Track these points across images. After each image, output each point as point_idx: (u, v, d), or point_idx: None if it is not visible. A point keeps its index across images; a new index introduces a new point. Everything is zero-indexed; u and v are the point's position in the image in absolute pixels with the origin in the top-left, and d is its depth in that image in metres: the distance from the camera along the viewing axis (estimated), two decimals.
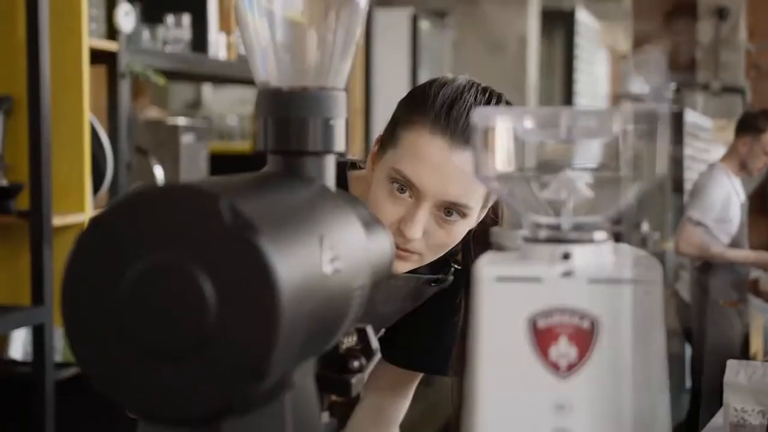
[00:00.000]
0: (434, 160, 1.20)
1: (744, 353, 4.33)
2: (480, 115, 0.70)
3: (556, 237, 0.70)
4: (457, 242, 1.26)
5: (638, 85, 5.58)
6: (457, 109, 1.22)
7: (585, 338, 0.67)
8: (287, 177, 0.79)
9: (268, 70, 0.82)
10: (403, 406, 1.54)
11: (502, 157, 0.71)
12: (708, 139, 7.91)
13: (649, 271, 0.68)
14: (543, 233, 0.71)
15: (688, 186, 7.09)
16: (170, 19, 3.00)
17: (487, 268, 0.69)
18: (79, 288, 0.64)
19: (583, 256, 0.69)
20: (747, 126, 4.37)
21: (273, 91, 0.81)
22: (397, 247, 1.23)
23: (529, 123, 0.70)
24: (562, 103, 7.60)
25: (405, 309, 1.41)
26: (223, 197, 0.62)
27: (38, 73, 2.35)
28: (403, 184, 1.22)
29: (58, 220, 2.42)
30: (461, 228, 1.25)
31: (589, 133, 0.70)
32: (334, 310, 0.71)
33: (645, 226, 6.36)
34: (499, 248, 0.77)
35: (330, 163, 0.82)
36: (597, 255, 0.69)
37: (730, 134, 8.72)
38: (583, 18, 7.58)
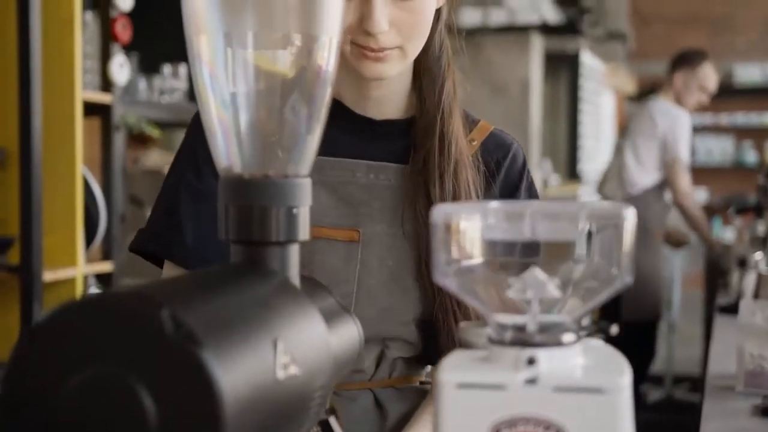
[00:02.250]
0: None
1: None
2: (440, 212, 0.68)
3: (522, 339, 0.67)
4: (429, 19, 1.18)
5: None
6: None
7: None
8: (247, 271, 0.76)
9: (231, 157, 0.80)
10: None
11: (463, 255, 0.68)
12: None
13: (619, 376, 0.65)
14: (508, 334, 0.68)
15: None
16: (167, 69, 2.99)
17: (449, 373, 0.66)
18: (18, 398, 0.61)
19: (550, 361, 0.66)
20: (682, 61, 4.50)
21: (235, 179, 0.79)
22: (372, 50, 1.15)
23: (491, 220, 0.67)
24: (568, 144, 7.58)
25: None
26: (165, 305, 0.59)
27: (30, 125, 2.33)
28: None
29: (49, 275, 2.39)
30: (426, 1, 1.16)
31: (553, 231, 0.67)
32: (289, 416, 0.68)
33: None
34: (467, 345, 0.74)
35: (294, 253, 0.79)
36: (564, 359, 0.66)
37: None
38: (587, 60, 7.58)
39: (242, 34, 0.77)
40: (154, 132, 2.79)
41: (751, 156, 10.10)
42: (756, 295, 2.74)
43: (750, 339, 1.78)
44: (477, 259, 0.69)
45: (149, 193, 3.04)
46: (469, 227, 0.68)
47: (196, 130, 1.24)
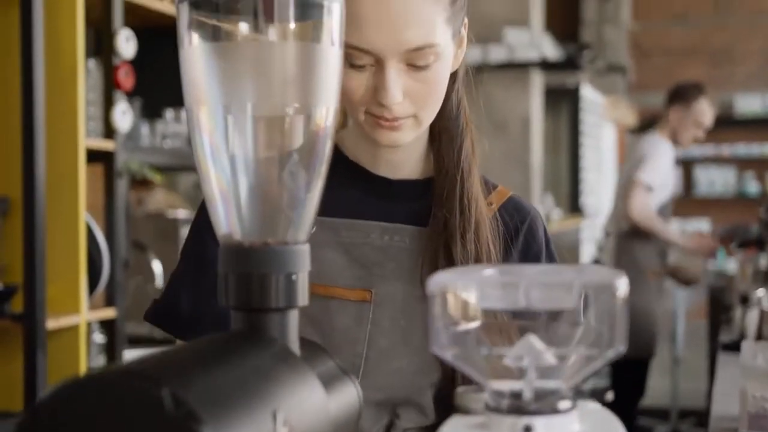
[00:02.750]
0: (373, 15, 1.09)
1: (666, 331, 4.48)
2: (436, 281, 0.69)
3: (518, 407, 0.68)
4: (444, 86, 1.16)
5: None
6: None
7: None
8: (246, 339, 0.77)
9: (230, 224, 0.81)
10: None
11: (459, 323, 0.69)
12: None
13: None
14: (505, 402, 0.68)
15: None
16: (169, 113, 3.02)
17: None
18: None
19: (547, 429, 0.66)
20: (677, 96, 4.50)
21: (235, 246, 0.80)
22: (386, 119, 1.14)
23: (487, 289, 0.68)
24: (569, 178, 7.60)
25: None
26: (165, 383, 0.60)
27: (34, 174, 2.35)
28: (356, 57, 1.11)
29: (52, 323, 2.40)
30: (441, 69, 1.14)
31: (548, 300, 0.68)
32: None
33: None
34: (464, 411, 0.75)
35: (293, 319, 0.80)
36: (561, 427, 0.67)
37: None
38: (588, 93, 7.62)
39: (241, 105, 0.79)
40: (156, 178, 2.81)
41: (753, 186, 10.11)
42: (759, 334, 2.74)
43: (752, 381, 1.78)
44: (473, 327, 0.70)
45: (152, 237, 3.05)
46: (465, 296, 0.69)
47: (204, 214, 1.25)
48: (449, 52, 1.15)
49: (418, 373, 1.20)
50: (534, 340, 0.69)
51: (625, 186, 4.37)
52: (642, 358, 4.42)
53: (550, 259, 1.30)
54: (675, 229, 4.51)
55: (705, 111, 4.45)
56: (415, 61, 1.12)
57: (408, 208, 1.25)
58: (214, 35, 0.78)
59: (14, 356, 2.40)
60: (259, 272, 0.79)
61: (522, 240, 1.28)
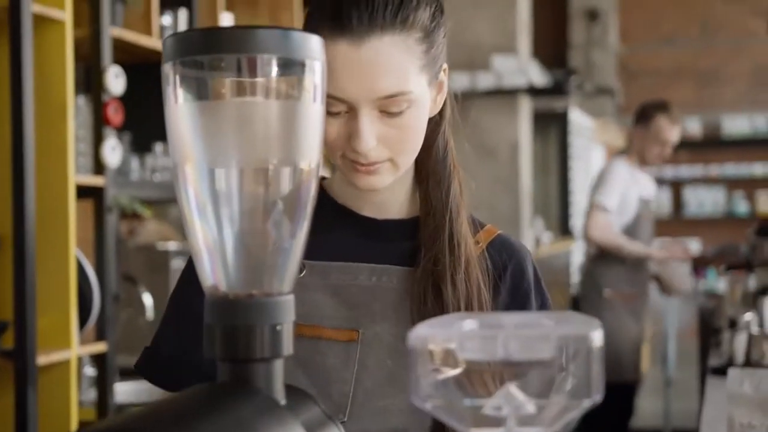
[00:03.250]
0: (345, 64, 1.10)
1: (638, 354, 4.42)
2: (416, 336, 0.70)
3: None
4: (421, 131, 1.17)
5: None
6: (348, 2, 1.12)
7: None
8: (232, 390, 0.78)
9: (216, 276, 0.83)
10: None
11: (438, 375, 0.71)
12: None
13: None
14: None
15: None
16: (158, 147, 3.04)
17: None
18: None
19: None
20: (639, 116, 4.55)
21: (220, 298, 0.82)
22: (362, 164, 1.15)
23: (466, 343, 0.70)
24: (559, 201, 7.63)
25: None
26: None
27: (24, 210, 2.37)
28: (331, 104, 1.12)
29: (43, 359, 2.40)
30: (415, 115, 1.15)
31: (526, 351, 0.70)
32: None
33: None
34: None
35: (278, 368, 0.82)
36: None
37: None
38: (576, 117, 7.67)
39: (226, 161, 0.81)
40: (146, 212, 2.82)
41: (742, 206, 10.17)
42: (747, 358, 2.76)
43: (739, 408, 1.80)
44: (453, 377, 0.71)
45: (143, 269, 3.06)
46: (445, 349, 0.70)
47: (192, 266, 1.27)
48: (425, 98, 1.17)
49: (406, 413, 1.21)
50: (513, 390, 0.71)
51: (587, 210, 4.46)
52: (625, 382, 4.44)
53: (541, 297, 1.31)
54: (643, 245, 4.52)
55: (664, 128, 4.46)
56: (388, 108, 1.13)
57: (395, 248, 1.27)
58: (199, 94, 0.81)
59: (5, 392, 2.40)
60: (244, 324, 0.80)
61: (509, 278, 1.28)
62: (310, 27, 1.14)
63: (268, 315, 0.81)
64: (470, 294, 1.21)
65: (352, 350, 1.22)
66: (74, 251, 2.52)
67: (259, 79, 0.79)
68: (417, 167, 1.26)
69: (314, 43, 0.81)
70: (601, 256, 4.39)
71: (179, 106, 0.80)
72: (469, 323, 0.73)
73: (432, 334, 0.70)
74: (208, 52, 0.80)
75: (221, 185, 0.81)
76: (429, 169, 1.26)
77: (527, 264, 1.31)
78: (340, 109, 1.14)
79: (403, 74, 1.12)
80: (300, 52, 0.80)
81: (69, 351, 2.51)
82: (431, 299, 1.21)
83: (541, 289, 1.32)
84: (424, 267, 1.23)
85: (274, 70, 0.80)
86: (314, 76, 0.81)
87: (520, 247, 1.32)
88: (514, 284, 1.29)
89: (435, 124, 1.23)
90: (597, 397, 0.70)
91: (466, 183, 1.29)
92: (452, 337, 0.70)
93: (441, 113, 1.26)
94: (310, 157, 0.83)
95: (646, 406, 6.56)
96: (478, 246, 1.27)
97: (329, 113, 1.14)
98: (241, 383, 0.80)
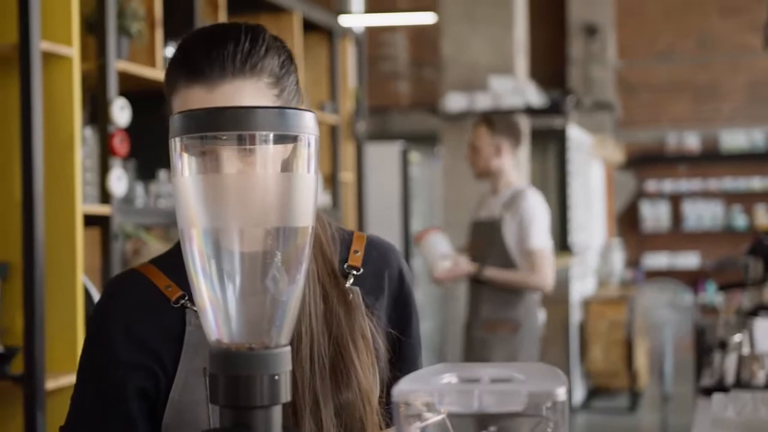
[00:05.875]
0: (198, 107, 1.12)
1: None
2: (399, 391, 0.78)
3: None
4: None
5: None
6: (202, 47, 1.19)
7: None
8: None
9: (219, 331, 0.91)
10: None
11: (420, 424, 0.79)
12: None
13: None
14: None
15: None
16: (163, 174, 3.12)
17: None
18: None
19: None
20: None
21: (223, 351, 0.90)
22: None
23: (445, 398, 0.78)
24: (558, 217, 7.69)
25: None
26: None
27: (33, 239, 2.45)
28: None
29: (51, 383, 2.48)
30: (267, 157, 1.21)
31: (499, 404, 0.78)
32: None
33: None
34: None
35: (277, 414, 0.90)
36: None
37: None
38: (575, 133, 7.75)
39: (228, 227, 0.89)
40: (150, 240, 2.91)
41: (740, 220, 10.24)
42: (737, 379, 2.82)
43: None
44: (433, 427, 0.79)
45: None
46: (426, 403, 0.78)
47: (99, 330, 1.26)
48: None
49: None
50: None
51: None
52: None
53: (409, 298, 1.35)
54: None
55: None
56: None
57: None
58: (203, 168, 0.89)
59: (15, 416, 2.48)
60: (245, 374, 0.88)
61: (387, 279, 1.33)
62: (171, 76, 1.21)
63: (267, 366, 0.89)
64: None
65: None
66: (81, 278, 2.60)
67: (258, 153, 0.87)
68: None
69: (308, 119, 0.90)
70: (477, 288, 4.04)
71: (185, 178, 0.88)
72: (447, 378, 0.81)
73: (413, 391, 0.78)
74: (212, 129, 0.88)
75: (223, 247, 0.90)
76: None
77: (403, 265, 1.36)
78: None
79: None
80: (294, 128, 0.89)
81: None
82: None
83: (410, 295, 1.36)
84: None
85: (271, 144, 0.88)
86: (308, 149, 0.90)
87: (391, 247, 1.37)
88: (392, 287, 1.34)
89: None
90: None
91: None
92: (432, 392, 0.78)
93: None
94: (305, 220, 0.91)
95: (645, 420, 6.63)
96: (357, 255, 1.32)
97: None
98: (242, 428, 0.88)
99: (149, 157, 3.10)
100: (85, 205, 2.65)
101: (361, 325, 1.26)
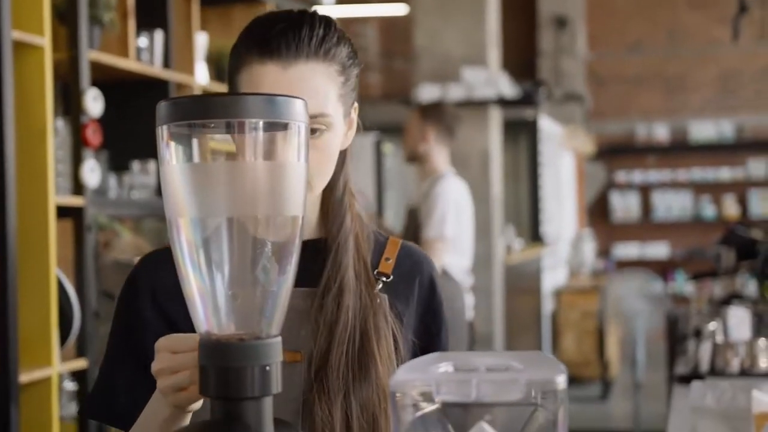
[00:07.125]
0: (273, 84, 1.19)
1: None
2: (396, 381, 0.77)
3: None
4: (333, 158, 1.25)
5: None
6: (279, 26, 1.22)
7: None
8: (224, 428, 0.85)
9: (209, 322, 0.89)
10: None
11: (416, 416, 0.78)
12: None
13: None
14: None
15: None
16: (136, 165, 3.09)
17: None
18: None
19: None
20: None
21: (213, 342, 0.88)
22: None
23: (442, 387, 0.77)
24: (529, 208, 7.72)
25: None
26: None
27: (5, 231, 2.41)
28: None
29: (25, 377, 2.45)
30: (331, 140, 1.23)
31: (497, 394, 0.77)
32: None
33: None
34: None
35: (267, 405, 0.89)
36: None
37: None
38: (546, 125, 7.77)
39: (216, 216, 0.88)
40: (123, 232, 2.87)
41: (709, 210, 10.33)
42: (712, 367, 2.83)
43: (703, 421, 1.86)
44: (429, 418, 0.78)
45: (120, 284, 3.10)
46: (423, 392, 0.77)
47: (128, 294, 1.30)
48: (340, 127, 1.25)
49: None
50: (486, 427, 0.78)
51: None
52: None
53: (439, 310, 1.36)
54: None
55: None
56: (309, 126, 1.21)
57: (302, 268, 1.30)
58: (191, 155, 0.87)
59: None
60: (235, 365, 0.87)
61: (417, 287, 1.34)
62: (240, 50, 1.23)
63: (257, 356, 0.87)
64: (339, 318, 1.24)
65: (296, 371, 1.23)
66: (54, 270, 2.56)
67: (247, 141, 0.86)
68: (323, 197, 1.31)
69: (298, 106, 0.88)
70: None
71: (172, 166, 0.87)
72: (444, 367, 0.80)
73: (411, 380, 0.77)
74: (199, 117, 0.86)
75: (212, 237, 0.88)
76: (330, 206, 1.31)
77: (435, 275, 1.37)
78: None
79: (324, 97, 1.22)
80: (284, 116, 0.87)
81: (50, 368, 2.55)
82: (317, 319, 1.25)
83: (440, 307, 1.37)
84: (317, 288, 1.26)
85: (261, 132, 0.87)
86: (298, 137, 0.88)
87: (424, 256, 1.38)
88: (421, 295, 1.34)
89: (340, 162, 1.29)
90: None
91: (367, 206, 1.34)
92: (430, 382, 0.77)
93: (345, 154, 1.32)
94: (295, 209, 0.90)
95: (617, 408, 6.68)
96: (389, 263, 1.33)
97: None
98: (232, 420, 0.86)
99: (122, 148, 3.06)
100: (57, 196, 2.61)
101: (384, 326, 1.27)
